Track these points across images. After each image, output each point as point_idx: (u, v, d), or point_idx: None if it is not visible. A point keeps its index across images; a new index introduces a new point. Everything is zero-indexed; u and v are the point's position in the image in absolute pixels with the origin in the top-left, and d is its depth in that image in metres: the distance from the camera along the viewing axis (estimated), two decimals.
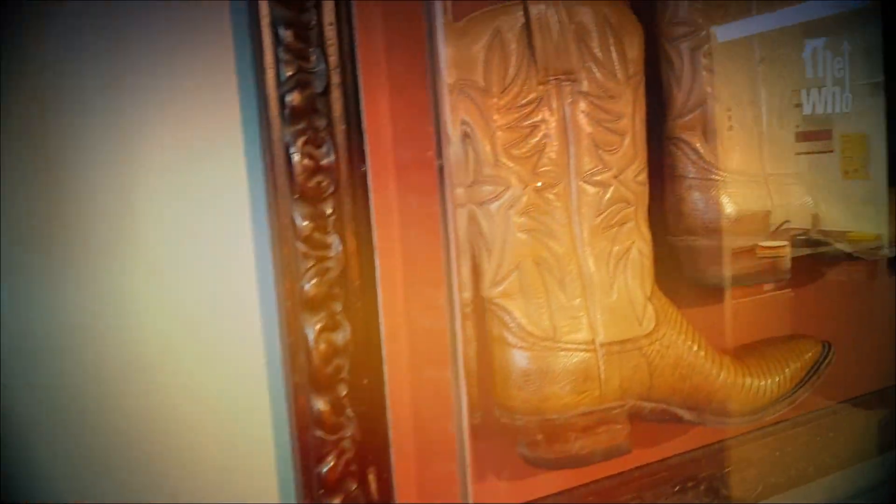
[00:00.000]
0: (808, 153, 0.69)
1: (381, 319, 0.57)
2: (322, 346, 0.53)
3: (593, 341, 0.54)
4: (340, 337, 0.54)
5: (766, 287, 0.69)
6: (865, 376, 0.82)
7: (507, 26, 0.52)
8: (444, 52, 0.51)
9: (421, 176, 0.57)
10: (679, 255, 0.62)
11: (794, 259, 0.65)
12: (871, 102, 0.73)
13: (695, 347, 0.56)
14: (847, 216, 0.67)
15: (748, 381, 0.58)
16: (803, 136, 0.70)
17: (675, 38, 0.59)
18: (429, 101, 0.54)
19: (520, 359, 0.54)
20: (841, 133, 0.70)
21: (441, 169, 0.52)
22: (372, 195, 0.55)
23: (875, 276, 0.79)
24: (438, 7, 0.51)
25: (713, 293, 0.64)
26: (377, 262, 0.56)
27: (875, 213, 0.68)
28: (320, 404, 0.53)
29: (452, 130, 0.54)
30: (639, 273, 0.56)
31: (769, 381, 0.58)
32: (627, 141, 0.55)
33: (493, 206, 0.53)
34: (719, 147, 0.60)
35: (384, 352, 0.57)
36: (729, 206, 0.60)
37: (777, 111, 0.66)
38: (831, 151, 0.69)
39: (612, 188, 0.55)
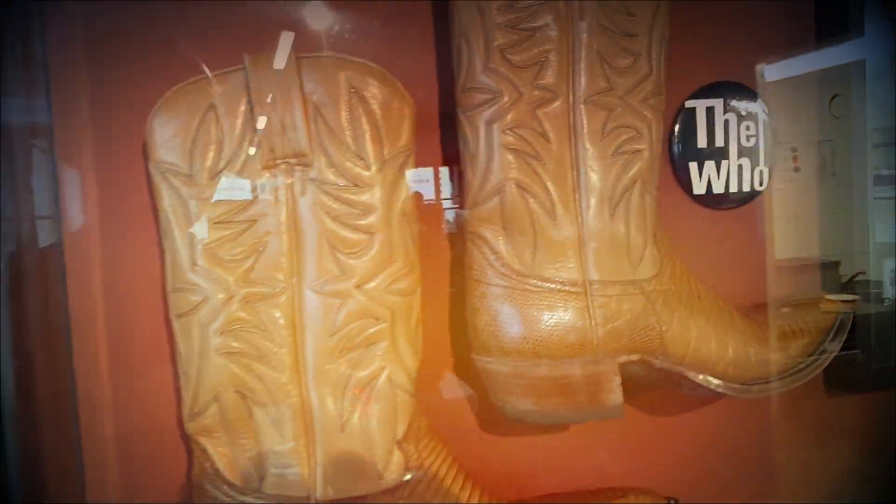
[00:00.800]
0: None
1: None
2: None
3: (308, 498, 0.43)
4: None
5: None
6: None
7: (223, 100, 0.43)
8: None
9: None
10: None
11: None
12: None
13: None
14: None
15: None
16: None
17: (469, 109, 0.47)
18: None
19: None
20: None
21: None
22: None
23: None
24: None
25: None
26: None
27: None
28: None
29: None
30: (386, 409, 0.44)
31: None
32: (378, 242, 0.44)
33: (190, 320, 0.43)
34: (528, 247, 0.47)
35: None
36: (531, 322, 0.47)
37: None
38: None
39: (351, 301, 0.43)
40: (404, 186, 0.45)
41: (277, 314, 0.43)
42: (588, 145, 0.47)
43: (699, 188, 0.60)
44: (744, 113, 0.60)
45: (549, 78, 0.47)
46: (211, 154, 0.42)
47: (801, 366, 0.51)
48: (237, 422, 0.43)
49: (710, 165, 0.60)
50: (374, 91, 0.43)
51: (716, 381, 0.49)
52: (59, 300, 0.47)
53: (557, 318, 0.46)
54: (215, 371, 0.42)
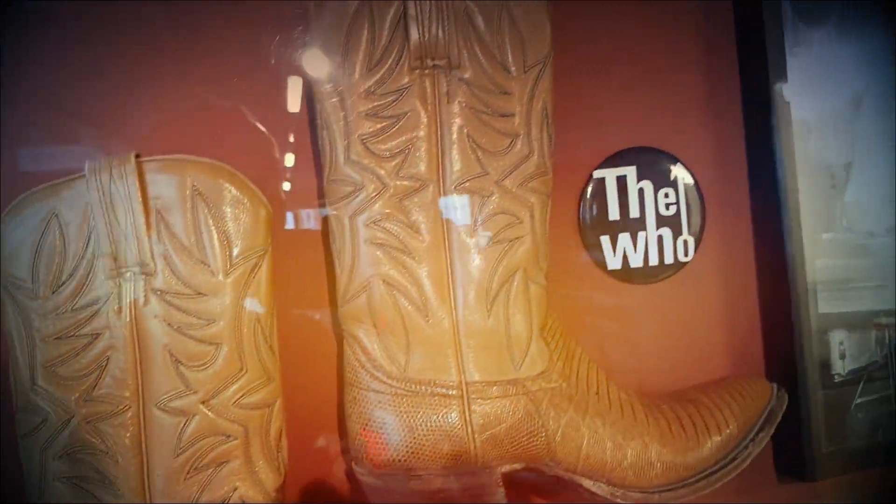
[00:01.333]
0: None
1: None
2: None
3: None
4: None
5: None
6: None
7: (67, 207, 0.41)
8: None
9: None
10: None
11: None
12: None
13: None
14: None
15: None
16: None
17: (334, 202, 0.45)
18: None
19: None
20: None
21: None
22: None
23: None
24: None
25: None
26: None
27: None
28: None
29: None
30: None
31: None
32: (224, 353, 0.41)
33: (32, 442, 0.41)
34: (400, 348, 0.44)
35: None
36: (401, 431, 0.43)
37: None
38: None
39: (196, 417, 0.41)
40: (256, 289, 0.42)
41: (122, 434, 0.40)
42: (461, 236, 0.44)
43: (614, 263, 0.56)
44: (661, 179, 0.57)
45: (416, 166, 0.44)
46: (54, 265, 0.41)
47: (716, 467, 0.46)
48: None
49: (624, 238, 0.56)
50: (223, 193, 0.42)
51: (610, 489, 0.44)
52: None
53: (431, 425, 0.43)
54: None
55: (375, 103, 0.44)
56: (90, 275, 0.41)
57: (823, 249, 0.58)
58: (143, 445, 0.40)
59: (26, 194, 0.42)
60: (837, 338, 0.59)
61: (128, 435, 0.40)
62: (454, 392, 0.44)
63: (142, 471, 0.40)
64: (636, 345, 0.57)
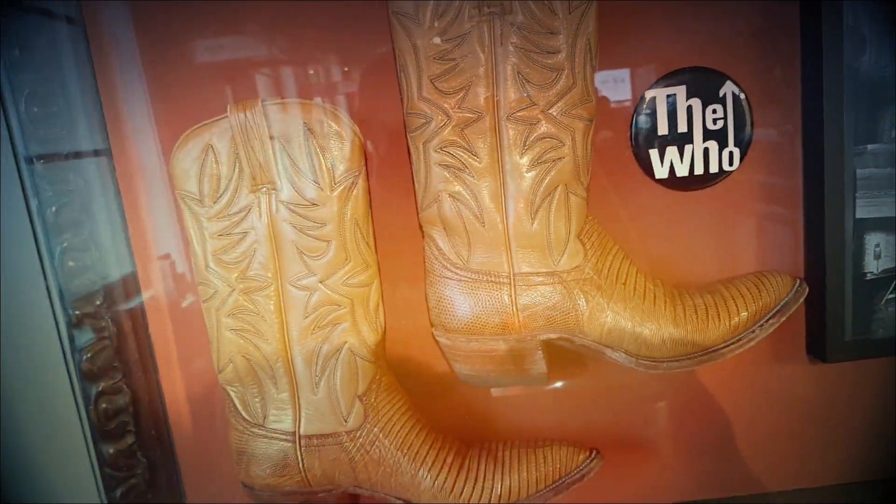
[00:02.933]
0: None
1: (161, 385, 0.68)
2: (103, 406, 0.65)
3: (295, 433, 0.58)
4: (121, 400, 0.66)
5: None
6: None
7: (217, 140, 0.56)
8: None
9: None
10: None
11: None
12: None
13: (403, 449, 0.57)
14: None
15: (455, 488, 0.56)
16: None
17: (411, 130, 0.56)
18: None
19: (234, 440, 0.60)
20: None
21: None
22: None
23: None
24: None
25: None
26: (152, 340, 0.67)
27: None
28: (109, 450, 0.66)
29: None
30: (348, 371, 0.57)
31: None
32: (333, 247, 0.56)
33: (209, 305, 0.59)
34: (464, 245, 0.56)
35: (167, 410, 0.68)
36: (465, 307, 0.56)
37: None
38: None
39: (317, 292, 0.56)
40: (355, 201, 0.56)
41: (268, 302, 0.57)
42: (511, 157, 0.55)
43: (661, 173, 0.64)
44: (710, 96, 0.62)
45: (475, 100, 0.54)
46: (213, 182, 0.56)
47: (722, 346, 0.56)
48: (247, 378, 0.59)
49: (671, 151, 0.63)
50: (324, 127, 0.54)
51: (626, 358, 0.56)
52: None
53: (486, 303, 0.56)
54: (227, 342, 0.58)
55: (442, 48, 0.54)
56: (238, 189, 0.56)
57: (865, 160, 0.62)
58: (283, 311, 0.57)
59: (189, 131, 0.57)
60: (874, 240, 0.64)
61: (272, 303, 0.57)
62: (505, 280, 0.56)
63: (282, 328, 0.57)
64: (679, 244, 0.66)
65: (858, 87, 0.60)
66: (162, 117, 0.64)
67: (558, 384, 0.67)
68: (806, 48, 0.62)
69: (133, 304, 0.66)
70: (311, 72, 0.63)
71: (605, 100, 0.63)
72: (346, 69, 0.63)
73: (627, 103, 0.63)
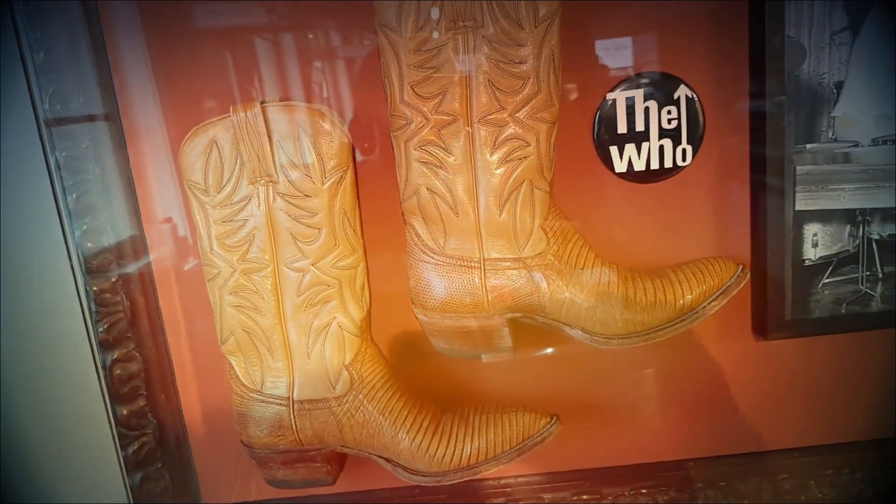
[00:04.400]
0: None
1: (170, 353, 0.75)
2: (117, 372, 0.72)
3: (289, 398, 0.66)
4: (134, 366, 0.73)
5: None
6: None
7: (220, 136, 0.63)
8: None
9: None
10: None
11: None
12: None
13: (385, 413, 0.65)
14: None
15: (430, 449, 0.64)
16: None
17: (394, 130, 0.63)
18: None
19: (235, 404, 0.68)
20: None
21: None
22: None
23: None
24: None
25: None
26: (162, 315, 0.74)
27: None
28: (123, 411, 0.74)
29: None
30: (337, 343, 0.65)
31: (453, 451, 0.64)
32: (323, 234, 0.63)
33: (213, 283, 0.66)
34: (440, 233, 0.63)
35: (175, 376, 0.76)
36: (440, 288, 0.63)
37: None
38: None
39: (309, 273, 0.64)
40: (343, 193, 0.63)
41: (266, 282, 0.64)
42: (482, 155, 0.61)
43: (620, 167, 0.70)
44: (665, 98, 0.69)
45: (451, 104, 0.61)
46: (217, 174, 0.63)
47: (667, 325, 0.63)
48: (247, 348, 0.66)
49: (630, 148, 0.70)
50: (316, 127, 0.61)
51: (582, 335, 0.63)
52: None
53: (459, 285, 0.63)
54: (229, 317, 0.66)
55: (421, 57, 0.60)
56: (240, 180, 0.63)
57: (804, 158, 0.68)
58: (279, 290, 0.64)
59: (196, 128, 0.64)
60: (812, 230, 0.71)
61: (269, 282, 0.64)
62: (476, 264, 0.63)
63: (278, 304, 0.65)
64: (636, 232, 0.73)
65: (799, 92, 0.67)
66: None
67: (524, 355, 0.75)
68: (752, 56, 0.68)
69: (145, 278, 0.73)
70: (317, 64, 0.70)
71: (570, 102, 0.70)
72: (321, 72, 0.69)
73: (591, 105, 0.70)
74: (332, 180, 0.62)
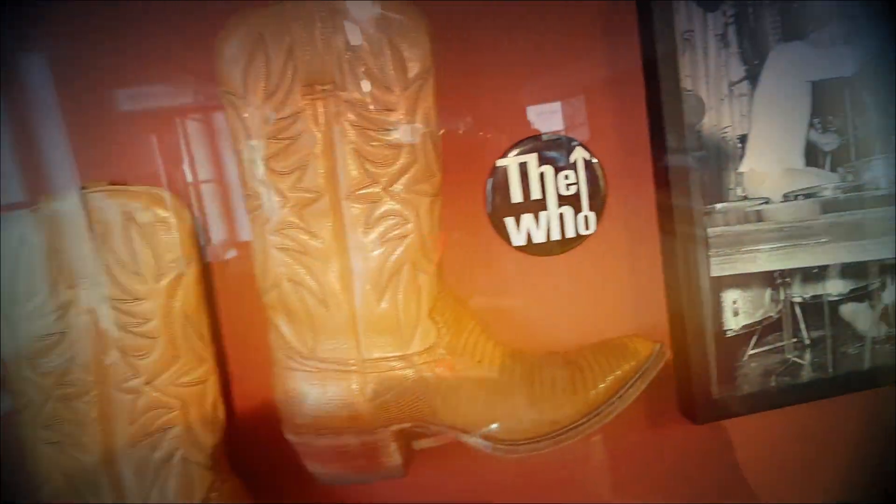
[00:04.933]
0: None
1: None
2: None
3: None
4: None
5: None
6: None
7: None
8: None
9: None
10: None
11: None
12: None
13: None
14: None
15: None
16: None
17: (249, 212, 0.52)
18: None
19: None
20: None
21: None
22: None
23: None
24: None
25: None
26: None
27: None
28: None
29: None
30: (183, 480, 0.52)
31: None
32: (160, 344, 0.51)
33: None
34: (308, 332, 0.53)
35: None
36: (311, 400, 0.52)
37: None
38: None
39: (144, 395, 0.51)
40: (185, 291, 0.51)
41: (90, 410, 0.51)
42: (355, 236, 0.52)
43: (518, 240, 0.62)
44: (562, 163, 0.62)
45: (313, 180, 0.51)
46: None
47: (582, 421, 0.54)
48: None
49: (527, 218, 0.62)
50: (147, 215, 0.50)
51: (483, 443, 0.53)
52: None
53: (332, 396, 0.52)
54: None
55: (275, 126, 0.51)
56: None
57: (715, 219, 0.62)
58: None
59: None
60: (731, 297, 0.64)
61: (94, 411, 0.51)
62: (353, 367, 0.53)
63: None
64: (542, 311, 0.64)
65: (702, 148, 0.62)
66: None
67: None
68: (650, 113, 0.63)
69: None
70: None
71: (459, 169, 0.62)
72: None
73: (482, 172, 0.62)
74: (170, 277, 0.51)
